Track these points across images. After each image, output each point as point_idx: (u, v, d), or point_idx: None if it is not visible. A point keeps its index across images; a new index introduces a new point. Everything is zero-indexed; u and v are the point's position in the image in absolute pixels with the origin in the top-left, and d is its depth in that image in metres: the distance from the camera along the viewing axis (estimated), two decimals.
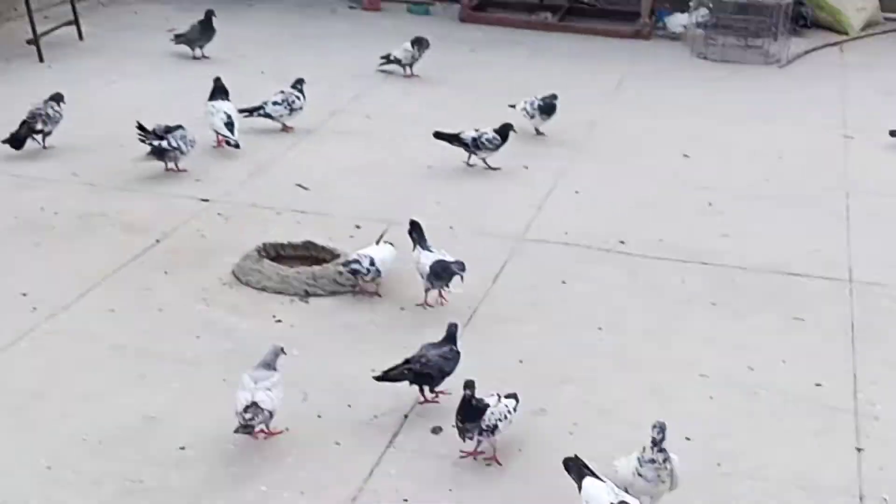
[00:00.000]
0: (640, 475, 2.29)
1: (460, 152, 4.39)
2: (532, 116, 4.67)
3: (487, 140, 4.27)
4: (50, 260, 3.53)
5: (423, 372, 2.76)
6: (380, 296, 3.33)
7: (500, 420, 2.58)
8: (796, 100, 5.78)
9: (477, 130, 4.31)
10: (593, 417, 2.82)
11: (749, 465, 2.73)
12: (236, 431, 2.45)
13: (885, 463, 2.72)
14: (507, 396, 2.68)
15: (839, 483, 2.65)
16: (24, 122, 4.11)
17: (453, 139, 4.28)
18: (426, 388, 2.76)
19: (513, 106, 4.72)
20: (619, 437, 2.63)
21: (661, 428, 2.26)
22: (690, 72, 6.21)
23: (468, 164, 4.31)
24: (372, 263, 3.20)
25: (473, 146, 4.28)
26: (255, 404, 2.45)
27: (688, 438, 2.65)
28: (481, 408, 2.53)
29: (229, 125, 4.19)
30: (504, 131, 4.26)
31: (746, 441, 2.84)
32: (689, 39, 6.46)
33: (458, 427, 2.54)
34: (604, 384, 3.02)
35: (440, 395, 2.83)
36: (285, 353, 2.69)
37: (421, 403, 2.79)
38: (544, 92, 4.74)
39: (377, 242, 3.45)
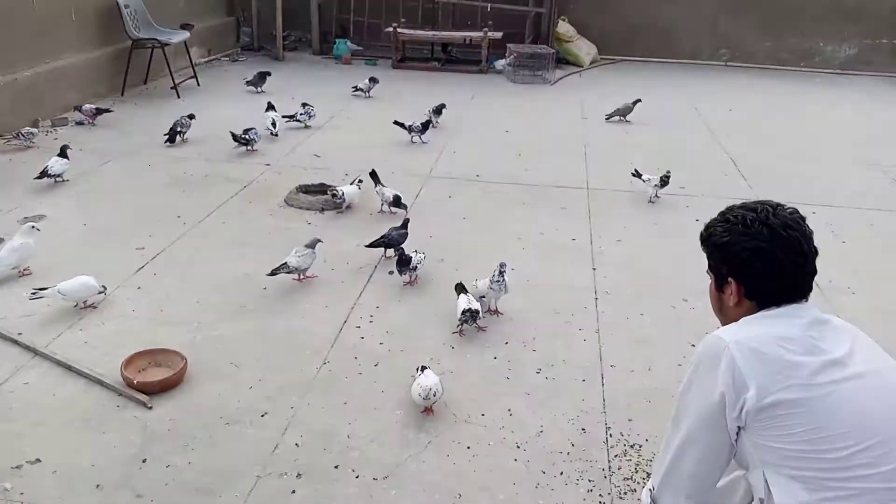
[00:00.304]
0: (490, 288, 3.73)
1: (403, 135, 6.70)
2: (431, 116, 7.03)
3: (419, 126, 6.61)
4: (190, 198, 5.29)
5: (390, 242, 4.31)
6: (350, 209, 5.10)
7: (417, 264, 4.02)
8: (558, 101, 8.66)
9: (412, 123, 6.61)
10: (467, 262, 4.28)
11: (541, 279, 4.19)
12: (270, 274, 3.93)
13: (607, 274, 4.27)
14: (419, 252, 4.13)
15: (585, 285, 4.13)
16: (172, 128, 6.47)
17: (402, 125, 6.55)
18: (391, 251, 4.27)
19: (426, 113, 7.11)
20: (480, 270, 3.97)
21: (502, 266, 3.72)
22: (507, 90, 9.28)
23: (411, 141, 6.63)
24: (342, 194, 5.01)
25: (411, 130, 6.56)
26: (285, 264, 3.98)
27: (513, 269, 4.03)
28: (408, 258, 3.98)
29: (273, 124, 6.59)
30: (427, 123, 6.65)
31: (540, 269, 4.32)
32: (506, 73, 9.74)
33: (399, 270, 4.03)
34: (470, 246, 4.60)
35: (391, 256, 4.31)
36: (321, 241, 4.16)
37: (386, 258, 4.32)
38: (436, 103, 7.25)
39: (352, 183, 5.16)
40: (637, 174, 5.53)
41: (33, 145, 6.20)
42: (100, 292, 3.77)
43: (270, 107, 6.94)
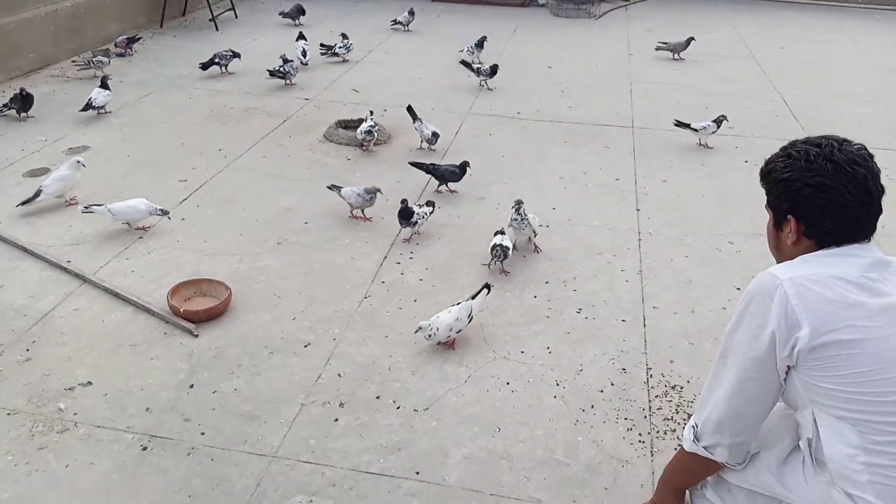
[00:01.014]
0: (511, 226, 3.69)
1: (443, 70, 6.76)
2: (472, 52, 6.82)
3: (487, 70, 6.25)
4: (231, 132, 5.28)
5: (435, 172, 4.35)
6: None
7: (420, 219, 3.79)
8: (604, 35, 8.36)
9: (481, 65, 6.35)
10: (508, 201, 3.98)
11: (583, 218, 4.13)
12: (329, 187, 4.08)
13: (651, 215, 4.19)
14: (428, 204, 3.91)
15: (628, 226, 4.07)
16: (211, 58, 6.50)
17: (469, 66, 6.32)
18: (441, 185, 4.38)
19: (461, 51, 6.92)
20: None
21: (518, 203, 3.63)
22: (550, 24, 8.87)
23: (480, 85, 6.33)
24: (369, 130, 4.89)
25: (480, 73, 6.28)
26: (340, 187, 4.07)
27: (554, 208, 4.25)
28: (409, 211, 3.75)
29: (304, 53, 6.59)
30: (495, 67, 6.25)
31: (581, 209, 4.26)
32: (549, 6, 9.48)
33: (400, 222, 3.82)
34: (511, 184, 4.52)
35: (450, 191, 4.37)
36: (381, 192, 4.06)
37: (437, 191, 4.38)
38: (477, 36, 7.02)
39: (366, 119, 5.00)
40: (682, 124, 5.18)
41: (293, 84, 6.30)
42: (158, 214, 3.86)
43: (301, 37, 6.87)
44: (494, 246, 3.54)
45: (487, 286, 3.22)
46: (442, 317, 3.00)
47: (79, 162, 4.14)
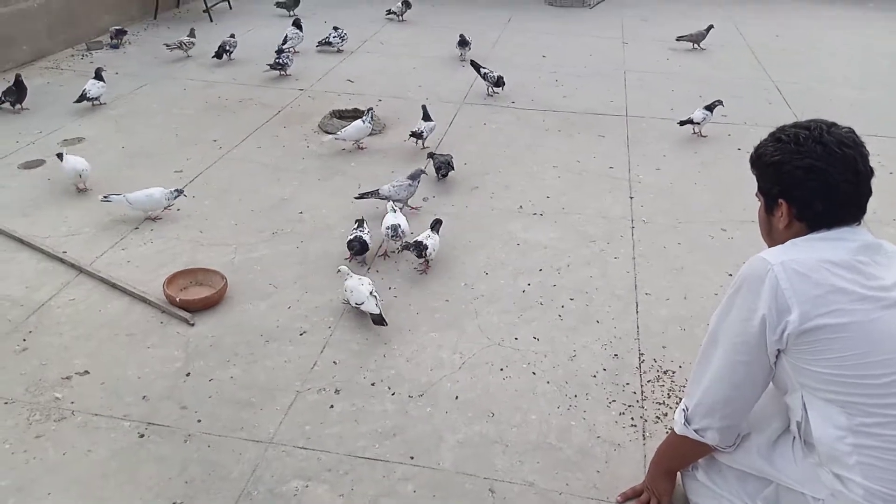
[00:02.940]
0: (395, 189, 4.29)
1: (437, 60, 6.72)
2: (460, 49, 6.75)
3: (494, 77, 5.80)
4: (226, 123, 5.29)
5: (437, 164, 4.33)
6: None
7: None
8: (598, 25, 8.32)
9: (488, 71, 5.85)
10: (501, 189, 4.33)
11: (577, 206, 4.13)
12: (357, 197, 3.97)
13: (644, 203, 4.20)
14: (432, 227, 3.58)
15: (621, 214, 4.07)
16: (221, 46, 6.58)
17: (477, 69, 5.89)
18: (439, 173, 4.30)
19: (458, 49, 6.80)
20: (515, 198, 4.21)
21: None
22: (545, 13, 8.85)
23: (488, 93, 5.94)
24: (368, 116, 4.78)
25: (486, 78, 5.83)
26: (377, 191, 3.93)
27: (548, 197, 4.23)
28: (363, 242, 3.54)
29: (284, 40, 6.68)
30: (501, 78, 5.84)
31: (576, 196, 4.26)
32: None
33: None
34: (505, 173, 4.54)
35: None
36: (425, 173, 4.10)
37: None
38: (468, 30, 7.00)
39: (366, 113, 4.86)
40: (685, 122, 5.14)
41: (287, 74, 6.28)
42: (174, 196, 3.91)
43: (297, 24, 6.87)
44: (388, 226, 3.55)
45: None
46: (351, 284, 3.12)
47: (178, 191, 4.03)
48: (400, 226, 3.51)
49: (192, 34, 6.81)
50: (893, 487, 1.68)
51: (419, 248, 3.43)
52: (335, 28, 7.07)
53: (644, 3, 9.49)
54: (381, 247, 3.67)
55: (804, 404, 1.80)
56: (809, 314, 1.69)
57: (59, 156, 4.17)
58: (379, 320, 3.07)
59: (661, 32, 7.97)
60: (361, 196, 4.01)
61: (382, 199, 3.93)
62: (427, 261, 3.52)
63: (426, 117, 4.89)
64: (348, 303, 3.16)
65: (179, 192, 3.94)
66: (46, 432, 2.53)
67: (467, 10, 8.85)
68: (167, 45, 6.70)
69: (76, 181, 4.19)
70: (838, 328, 1.68)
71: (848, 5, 9.80)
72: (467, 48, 6.81)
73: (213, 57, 6.58)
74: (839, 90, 6.34)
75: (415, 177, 4.01)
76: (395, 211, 3.64)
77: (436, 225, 3.58)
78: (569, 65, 6.86)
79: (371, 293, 3.10)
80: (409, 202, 4.08)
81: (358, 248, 3.49)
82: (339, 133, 4.79)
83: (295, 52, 6.68)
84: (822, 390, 1.74)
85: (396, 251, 3.61)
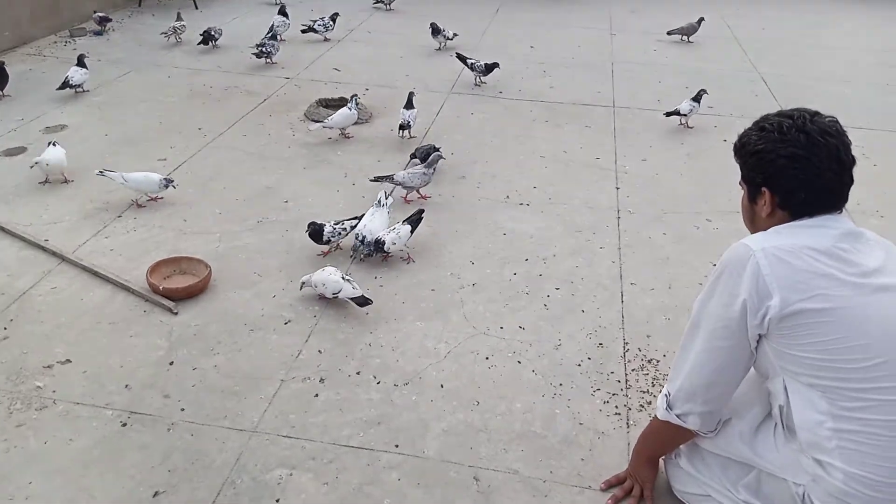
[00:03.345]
0: (410, 175, 4.39)
1: (425, 49, 6.71)
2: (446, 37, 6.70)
3: (482, 67, 5.81)
4: (211, 111, 5.23)
5: (422, 153, 4.27)
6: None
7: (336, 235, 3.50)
8: (586, 16, 8.34)
9: (475, 60, 5.85)
10: (488, 178, 4.34)
11: (563, 197, 4.15)
12: (373, 180, 3.99)
13: (630, 193, 4.22)
14: (409, 221, 3.54)
15: (608, 204, 4.09)
16: (207, 31, 6.52)
17: (464, 60, 5.86)
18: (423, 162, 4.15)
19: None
20: (501, 188, 4.22)
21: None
22: (533, 4, 8.82)
23: (475, 83, 5.89)
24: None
25: (473, 68, 5.82)
26: (392, 176, 3.98)
27: (535, 187, 4.24)
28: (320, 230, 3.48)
29: (273, 36, 6.52)
30: (492, 65, 5.82)
31: (562, 187, 4.27)
32: None
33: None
34: (492, 163, 4.54)
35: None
36: (442, 157, 4.13)
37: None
38: (458, 19, 7.12)
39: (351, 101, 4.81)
40: (671, 113, 5.16)
41: (273, 62, 6.25)
42: (165, 185, 3.88)
43: (282, 12, 6.78)
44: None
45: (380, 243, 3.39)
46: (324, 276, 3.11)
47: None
48: (366, 237, 3.41)
49: (179, 17, 6.77)
50: (873, 471, 1.70)
51: (378, 246, 3.39)
52: (331, 19, 6.99)
53: None
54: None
55: (786, 389, 1.81)
56: (790, 299, 1.70)
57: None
58: (363, 301, 3.06)
59: (649, 24, 8.00)
60: (377, 179, 4.02)
61: (396, 184, 3.96)
62: (396, 251, 3.46)
63: (409, 105, 4.84)
64: (323, 297, 3.14)
65: (169, 181, 3.90)
66: (28, 421, 2.51)
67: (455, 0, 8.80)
68: (164, 34, 6.68)
69: (57, 172, 4.11)
70: (819, 313, 1.69)
71: (834, 0, 9.84)
72: (441, 35, 6.74)
73: (198, 44, 6.53)
74: (825, 83, 6.37)
75: (430, 164, 3.99)
76: (381, 205, 3.60)
77: (414, 218, 3.54)
78: (556, 55, 6.85)
79: (343, 278, 3.09)
80: (422, 191, 4.09)
81: (375, 248, 3.43)
82: (325, 121, 4.76)
83: (281, 39, 6.63)
84: (804, 375, 1.75)
85: (360, 258, 3.52)
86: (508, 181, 4.34)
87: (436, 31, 6.76)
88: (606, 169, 4.60)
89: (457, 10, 7.92)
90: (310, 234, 3.45)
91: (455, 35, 6.84)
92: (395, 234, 3.42)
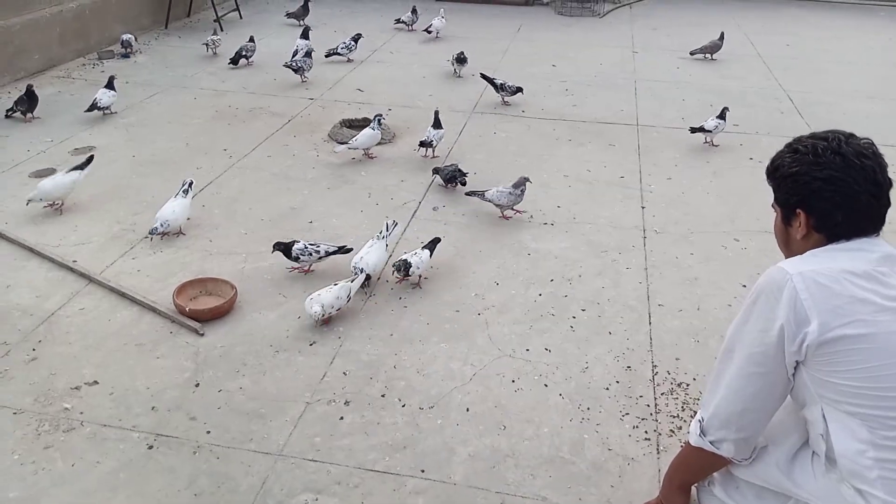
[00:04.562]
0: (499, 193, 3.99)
1: (446, 68, 6.74)
2: (454, 64, 6.63)
3: (512, 88, 5.81)
4: (236, 132, 5.29)
5: (447, 174, 4.36)
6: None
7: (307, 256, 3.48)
8: (608, 34, 8.32)
9: (504, 81, 5.84)
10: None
11: (588, 216, 4.14)
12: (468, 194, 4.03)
13: (656, 213, 4.20)
14: (426, 248, 3.56)
15: (633, 224, 4.07)
16: (238, 52, 6.72)
17: (491, 81, 5.87)
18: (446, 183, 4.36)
19: (449, 60, 6.72)
20: (525, 207, 4.11)
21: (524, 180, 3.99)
22: (554, 22, 8.87)
23: (502, 101, 5.91)
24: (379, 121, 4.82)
25: (502, 89, 5.85)
26: (484, 192, 4.20)
27: (559, 206, 4.24)
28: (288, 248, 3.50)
29: (307, 54, 6.50)
30: (519, 88, 5.81)
31: (587, 206, 4.26)
32: (553, 5, 9.49)
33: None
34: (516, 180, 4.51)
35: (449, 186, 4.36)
36: (530, 181, 4.24)
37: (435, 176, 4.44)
38: (481, 35, 7.17)
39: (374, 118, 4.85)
40: (696, 129, 5.12)
41: (306, 79, 6.43)
42: (185, 190, 3.93)
43: (305, 35, 6.85)
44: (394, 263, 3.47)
45: (368, 276, 3.37)
46: (323, 294, 3.09)
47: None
48: (363, 269, 3.37)
49: (215, 32, 7.01)
50: None
51: (405, 268, 3.38)
52: (353, 40, 7.08)
53: (654, 14, 9.51)
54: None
55: (824, 417, 1.76)
56: (829, 325, 1.65)
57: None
58: (365, 282, 3.31)
59: (671, 42, 7.99)
60: (470, 193, 4.13)
61: (487, 201, 4.06)
62: (414, 277, 3.46)
63: (437, 124, 4.87)
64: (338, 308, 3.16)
65: (190, 185, 3.94)
66: (55, 443, 2.52)
67: (477, 19, 8.85)
68: (205, 44, 7.09)
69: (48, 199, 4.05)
70: (858, 339, 1.65)
71: (858, 15, 9.77)
72: (464, 65, 6.62)
73: (229, 63, 6.64)
74: (852, 100, 6.30)
75: (518, 185, 4.04)
76: (381, 238, 3.56)
77: (431, 244, 3.57)
78: (579, 74, 6.85)
79: (340, 288, 3.15)
80: (515, 207, 4.14)
81: (404, 270, 3.41)
82: (350, 142, 4.78)
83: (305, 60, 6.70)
84: (843, 403, 1.70)
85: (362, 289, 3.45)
86: (532, 201, 4.31)
87: (461, 59, 6.62)
88: (631, 188, 4.56)
89: (478, 30, 7.96)
90: (280, 249, 3.49)
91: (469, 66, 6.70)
92: (418, 259, 3.42)
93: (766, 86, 6.63)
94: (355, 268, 3.39)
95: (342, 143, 4.90)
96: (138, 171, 4.65)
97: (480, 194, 4.08)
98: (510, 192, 4.03)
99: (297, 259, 3.50)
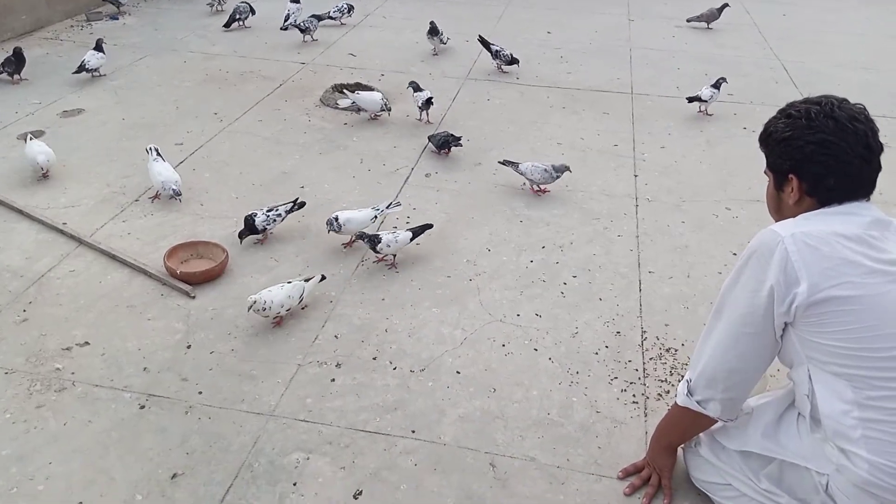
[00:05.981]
0: (533, 168, 3.92)
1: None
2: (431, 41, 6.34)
3: (508, 56, 5.72)
4: (227, 95, 5.21)
5: (439, 140, 4.32)
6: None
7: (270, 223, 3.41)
8: (603, 1, 8.18)
9: (500, 48, 5.74)
10: (504, 166, 4.17)
11: (581, 184, 4.13)
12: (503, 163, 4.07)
13: (648, 181, 4.19)
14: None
15: (625, 192, 4.06)
16: (232, 14, 6.59)
17: (487, 46, 5.77)
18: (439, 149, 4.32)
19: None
20: (518, 175, 3.99)
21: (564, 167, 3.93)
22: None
23: (497, 68, 5.82)
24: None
25: (497, 56, 5.74)
26: (522, 173, 4.15)
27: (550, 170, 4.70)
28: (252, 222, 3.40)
29: (314, 15, 6.50)
30: (515, 58, 5.75)
31: (580, 174, 4.22)
32: None
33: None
34: (509, 149, 4.47)
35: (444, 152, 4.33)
36: (569, 170, 3.90)
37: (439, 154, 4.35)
38: (457, 13, 6.48)
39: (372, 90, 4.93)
40: (693, 99, 5.10)
41: (315, 39, 6.39)
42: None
43: None
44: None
45: (323, 276, 3.15)
46: (274, 292, 2.87)
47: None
48: (338, 218, 3.36)
49: (248, 7, 6.77)
50: None
51: (372, 242, 3.27)
52: (347, 7, 6.96)
53: None
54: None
55: (810, 378, 1.78)
56: (819, 286, 1.67)
57: (26, 137, 4.07)
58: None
59: (667, 10, 7.90)
60: (504, 162, 4.07)
61: (520, 173, 3.99)
62: (386, 256, 3.35)
63: (417, 88, 4.86)
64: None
65: (177, 193, 3.76)
66: (47, 402, 2.53)
67: None
68: (209, 4, 7.08)
69: (35, 168, 3.95)
70: (847, 300, 1.67)
71: None
72: (437, 38, 6.25)
73: (223, 26, 6.57)
74: (847, 70, 6.28)
75: (558, 169, 3.94)
76: (377, 209, 3.52)
77: (420, 228, 3.43)
78: (574, 41, 6.78)
79: (293, 287, 2.95)
80: (543, 186, 4.07)
81: (369, 242, 3.32)
82: (352, 95, 4.88)
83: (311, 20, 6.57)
84: (830, 363, 1.73)
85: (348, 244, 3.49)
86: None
87: (433, 31, 6.22)
88: (624, 156, 4.55)
89: (470, 10, 7.81)
90: (247, 232, 3.38)
91: (449, 39, 6.47)
92: (391, 237, 3.29)
93: (761, 55, 6.60)
94: (331, 223, 3.36)
95: (345, 98, 4.99)
96: (127, 134, 4.60)
97: (515, 165, 4.02)
98: (545, 170, 3.93)
99: (264, 231, 3.43)
